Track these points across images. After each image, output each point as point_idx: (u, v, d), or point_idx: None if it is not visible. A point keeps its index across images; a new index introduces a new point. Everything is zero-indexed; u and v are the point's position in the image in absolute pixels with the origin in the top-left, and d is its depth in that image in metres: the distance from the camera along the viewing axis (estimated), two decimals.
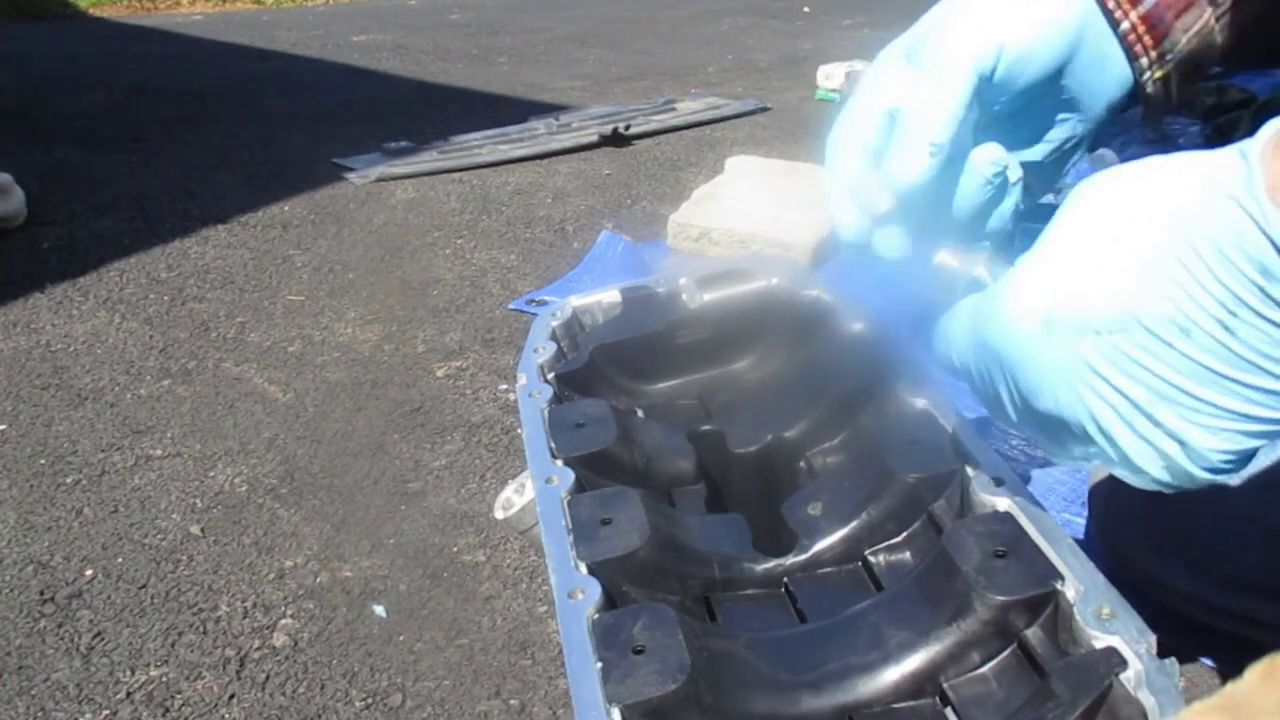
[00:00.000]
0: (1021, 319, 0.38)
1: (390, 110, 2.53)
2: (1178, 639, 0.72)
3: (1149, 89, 0.50)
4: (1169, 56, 0.49)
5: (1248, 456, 0.37)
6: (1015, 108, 0.48)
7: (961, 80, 0.44)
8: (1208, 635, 0.72)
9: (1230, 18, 0.50)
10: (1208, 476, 0.38)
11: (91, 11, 4.39)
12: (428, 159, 2.06)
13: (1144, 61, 0.49)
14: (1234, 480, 0.38)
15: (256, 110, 2.55)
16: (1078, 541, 0.47)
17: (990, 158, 0.45)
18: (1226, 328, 0.33)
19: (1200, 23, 0.49)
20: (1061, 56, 0.47)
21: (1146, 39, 0.49)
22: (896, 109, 0.45)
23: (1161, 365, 0.35)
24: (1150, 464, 0.38)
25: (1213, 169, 0.34)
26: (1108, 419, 0.37)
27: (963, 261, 0.46)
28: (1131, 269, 0.35)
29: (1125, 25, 0.48)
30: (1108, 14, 0.48)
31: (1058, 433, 0.40)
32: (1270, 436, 0.36)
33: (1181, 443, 0.36)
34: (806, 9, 4.15)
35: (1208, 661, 0.73)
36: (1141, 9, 0.48)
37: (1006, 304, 0.39)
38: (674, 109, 2.43)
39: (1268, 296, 0.32)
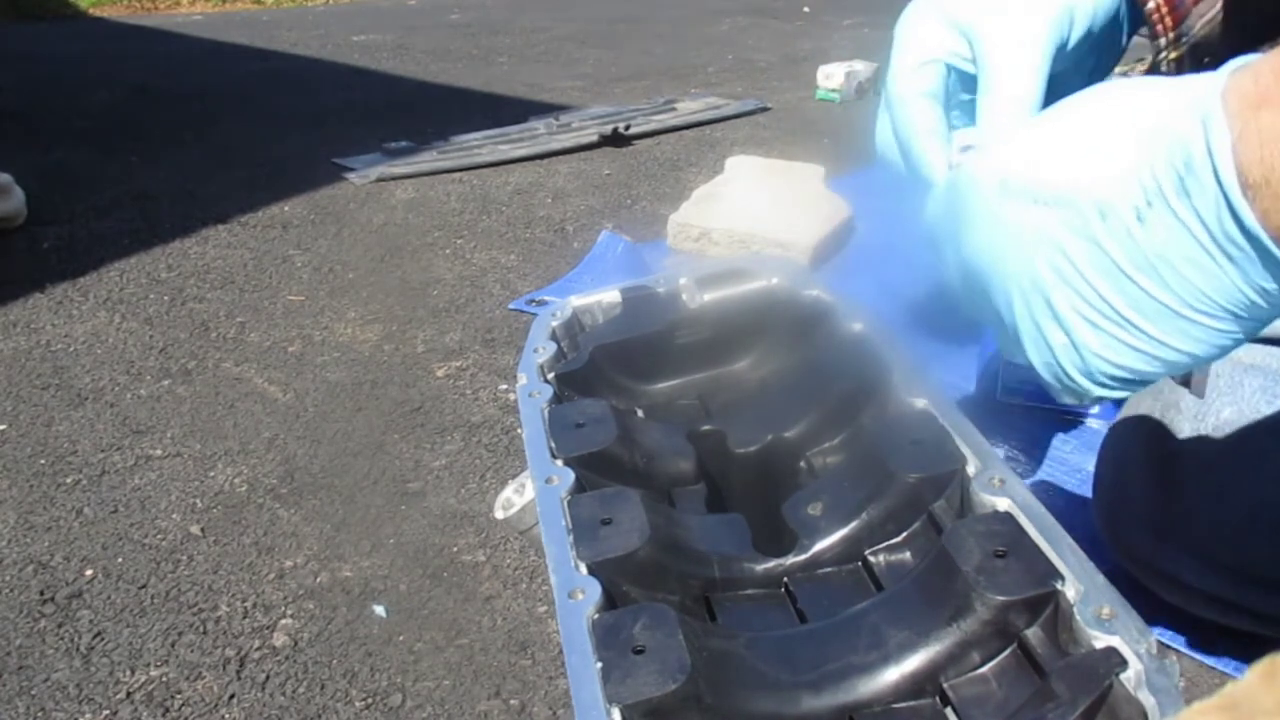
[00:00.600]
0: (982, 179, 0.39)
1: (390, 110, 2.53)
2: (1179, 639, 0.72)
3: (1163, 68, 0.51)
4: (1184, 39, 0.51)
5: (1129, 381, 0.37)
6: (1063, 68, 0.49)
7: (1049, 36, 0.45)
8: (1209, 634, 0.72)
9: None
10: (1081, 384, 0.38)
11: (91, 11, 4.39)
12: (428, 159, 2.06)
13: (1162, 41, 0.51)
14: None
15: (256, 110, 2.55)
16: (1079, 539, 0.47)
17: None
18: (1139, 217, 0.33)
19: (1213, 12, 0.51)
20: (1115, 14, 0.49)
21: (1168, 19, 0.51)
22: (953, 64, 0.47)
23: (1075, 247, 0.35)
24: (1036, 353, 0.38)
25: (1193, 82, 0.34)
26: (1016, 294, 0.38)
27: None
28: (1082, 149, 0.36)
29: (1150, 4, 0.50)
30: None
31: (980, 301, 0.40)
32: (1152, 370, 0.36)
33: (1069, 336, 0.36)
34: (806, 9, 4.15)
35: (1208, 661, 0.73)
36: None
37: (974, 166, 0.40)
38: (674, 109, 2.43)
39: (1183, 189, 0.32)
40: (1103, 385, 0.38)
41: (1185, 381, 0.50)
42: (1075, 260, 0.35)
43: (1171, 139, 0.33)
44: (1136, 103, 0.35)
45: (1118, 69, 0.55)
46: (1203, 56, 0.52)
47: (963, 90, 0.50)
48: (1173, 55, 0.51)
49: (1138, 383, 0.37)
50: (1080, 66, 0.51)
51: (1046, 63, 0.45)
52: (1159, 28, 0.51)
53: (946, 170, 0.47)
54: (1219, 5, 0.51)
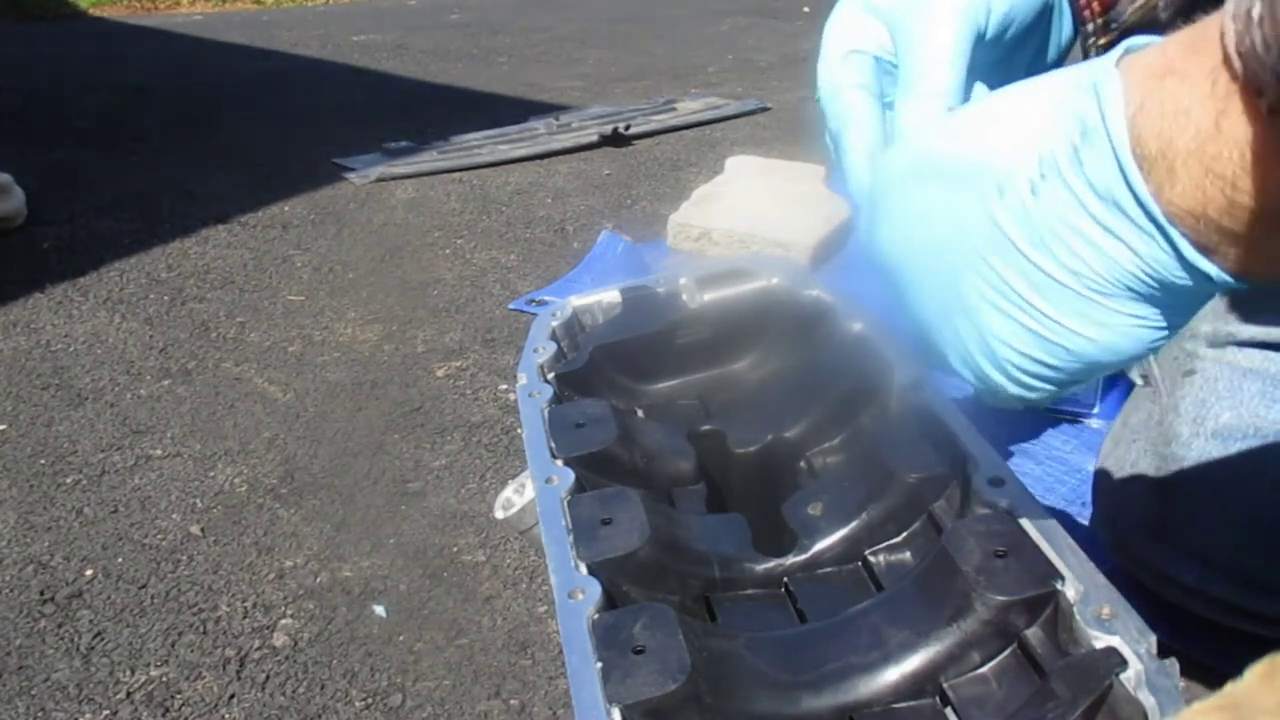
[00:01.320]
0: (894, 166, 0.39)
1: (390, 110, 2.53)
2: (1178, 639, 0.72)
3: (1091, 54, 0.51)
4: (1114, 25, 0.50)
5: (1047, 379, 0.35)
6: (993, 58, 0.49)
7: (962, 29, 0.44)
8: (1209, 634, 0.72)
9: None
10: (996, 379, 0.36)
11: (91, 11, 4.39)
12: (428, 159, 2.06)
13: (1089, 26, 0.50)
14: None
15: (256, 110, 2.55)
16: (1079, 539, 0.47)
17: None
18: (1034, 190, 0.32)
19: None
20: (1039, 7, 0.48)
21: (1095, 5, 0.50)
22: (880, 56, 0.46)
23: (977, 227, 0.34)
24: (950, 348, 0.37)
25: (1101, 58, 0.33)
26: (927, 283, 0.37)
27: None
28: (986, 128, 0.35)
29: None
30: None
31: (895, 284, 0.39)
32: (1064, 365, 0.35)
33: (977, 326, 0.35)
34: (806, 9, 4.15)
35: (1208, 661, 0.73)
36: None
37: (889, 155, 0.40)
38: (674, 109, 2.43)
39: (1077, 159, 0.31)
40: (1019, 383, 0.36)
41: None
42: (977, 241, 0.34)
43: (1069, 109, 0.32)
44: (1045, 82, 0.34)
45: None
46: None
47: (892, 84, 0.49)
48: (1102, 41, 0.51)
49: (1057, 381, 0.36)
50: (1016, 56, 0.50)
51: (963, 53, 0.44)
52: (1086, 13, 0.50)
53: (870, 164, 0.46)
54: None
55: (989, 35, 0.46)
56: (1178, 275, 0.31)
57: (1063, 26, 0.51)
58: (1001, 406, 0.39)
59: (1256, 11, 0.26)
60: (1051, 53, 0.52)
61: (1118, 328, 0.33)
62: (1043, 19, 0.50)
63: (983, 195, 0.34)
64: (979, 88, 0.45)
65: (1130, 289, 0.32)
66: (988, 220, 0.34)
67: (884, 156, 0.40)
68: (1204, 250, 0.31)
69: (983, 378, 0.37)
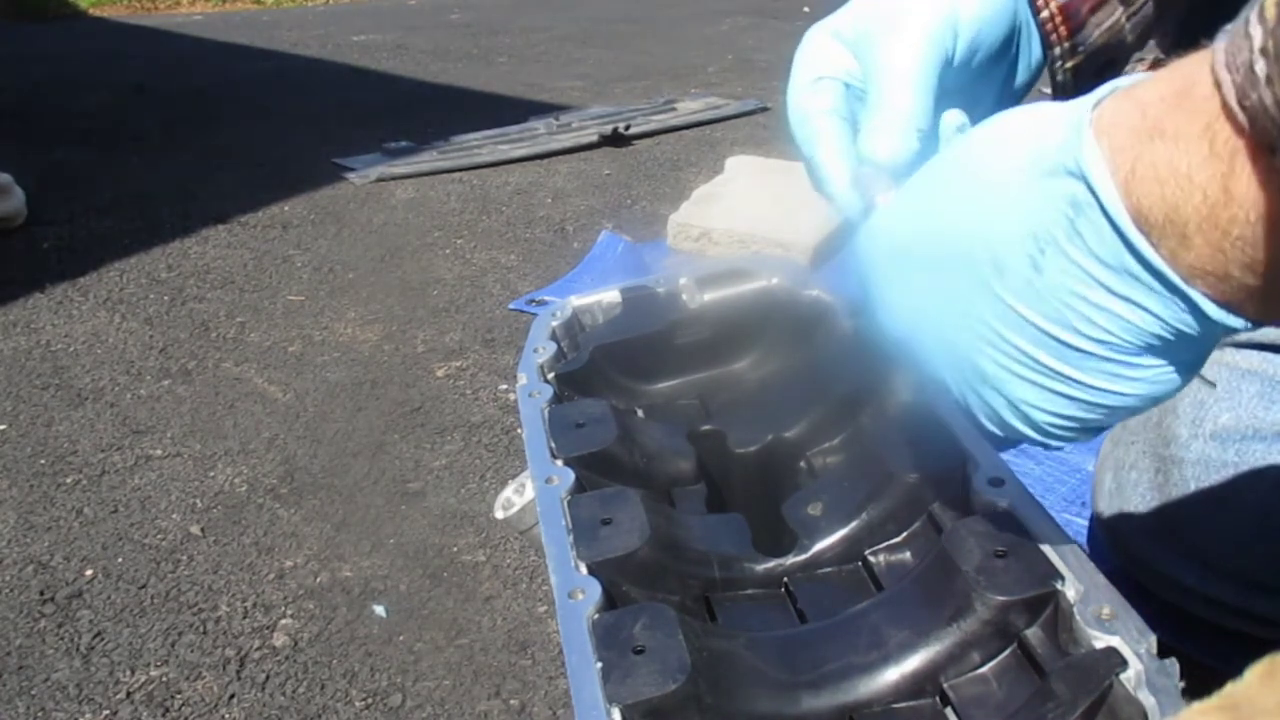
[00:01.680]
0: (878, 251, 0.39)
1: (390, 110, 2.53)
2: (1179, 639, 0.72)
3: (1059, 77, 0.51)
4: (1081, 48, 0.50)
5: (1086, 428, 0.36)
6: (962, 83, 0.49)
7: (928, 54, 0.44)
8: (1209, 635, 0.72)
9: (1142, 19, 0.51)
10: (1038, 439, 0.37)
11: (91, 11, 4.39)
12: (428, 159, 2.06)
13: (1057, 50, 0.50)
14: (1063, 445, 0.37)
15: (256, 110, 2.55)
16: (1080, 540, 0.47)
17: (956, 122, 0.46)
18: (1036, 266, 0.32)
19: (1112, 20, 0.51)
20: (1006, 32, 0.48)
21: (1062, 29, 0.50)
22: (849, 82, 0.47)
23: (983, 306, 0.34)
24: (984, 417, 0.37)
25: (1067, 112, 0.33)
26: (945, 363, 0.37)
27: None
28: (967, 202, 0.35)
29: (1045, 14, 0.50)
30: (1030, 1, 0.49)
31: (908, 359, 0.39)
32: (1100, 417, 0.35)
33: (1005, 397, 0.35)
34: (806, 9, 4.14)
35: (1208, 661, 0.73)
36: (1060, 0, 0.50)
37: (866, 234, 0.40)
38: (674, 109, 2.43)
39: (1075, 231, 0.31)
40: (1053, 436, 0.36)
41: None
42: (988, 320, 0.34)
43: (1053, 183, 0.31)
44: (1016, 140, 0.34)
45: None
46: (1102, 64, 0.51)
47: (863, 109, 0.49)
48: (1069, 64, 0.51)
49: (1090, 427, 0.36)
50: (985, 80, 0.50)
51: (929, 77, 0.44)
52: (1053, 37, 0.50)
53: (849, 187, 0.46)
54: (1118, 13, 0.50)
55: (956, 60, 0.46)
56: (1199, 329, 0.31)
57: (1032, 49, 0.51)
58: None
59: (1261, 69, 0.26)
60: (1021, 75, 0.52)
61: (1145, 380, 0.33)
62: (1011, 43, 0.50)
63: (980, 276, 0.34)
64: (953, 113, 0.45)
65: (1151, 348, 0.32)
66: (993, 299, 0.34)
67: (864, 236, 0.40)
68: (1228, 307, 0.30)
69: (1016, 434, 0.37)
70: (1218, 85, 0.27)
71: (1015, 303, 0.33)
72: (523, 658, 0.79)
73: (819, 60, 0.48)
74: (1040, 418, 0.35)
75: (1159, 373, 0.33)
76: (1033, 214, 0.32)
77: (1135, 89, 0.31)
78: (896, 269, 0.38)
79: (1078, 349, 0.33)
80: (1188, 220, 0.29)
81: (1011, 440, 0.39)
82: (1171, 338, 0.32)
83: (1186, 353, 0.33)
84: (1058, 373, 0.34)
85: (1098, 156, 0.30)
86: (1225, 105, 0.27)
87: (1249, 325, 0.31)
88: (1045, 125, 0.33)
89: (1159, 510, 0.72)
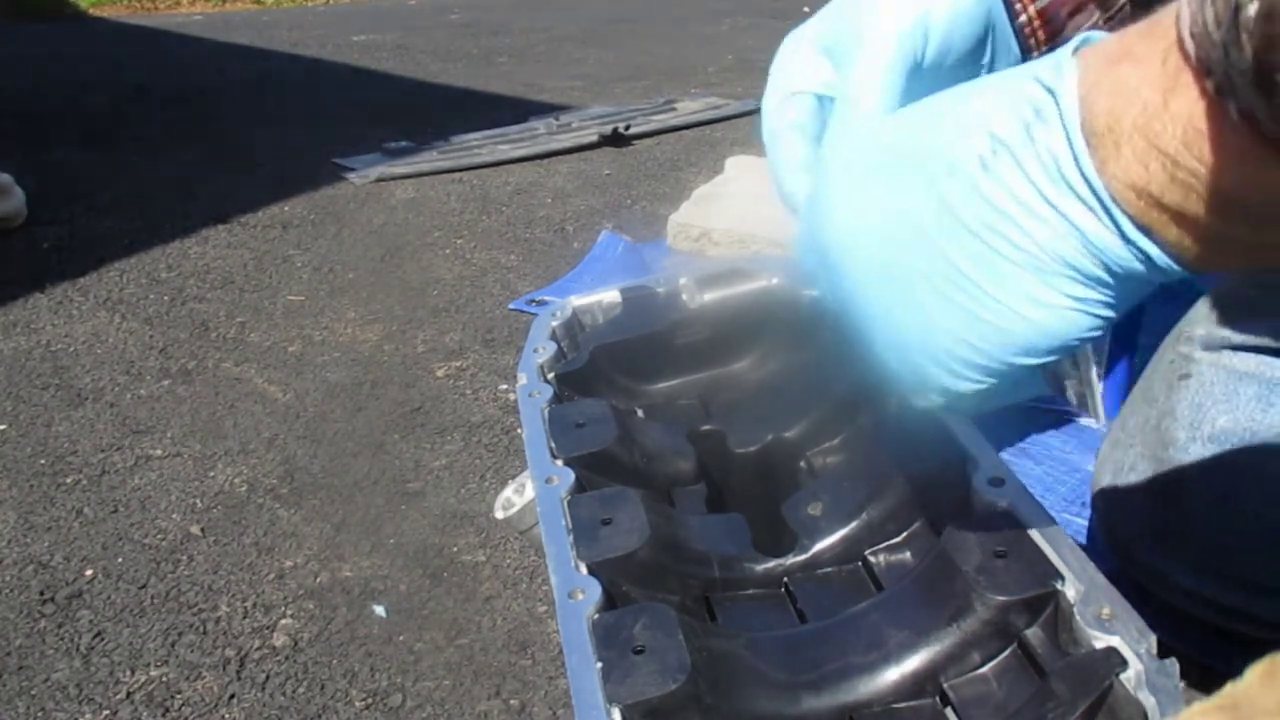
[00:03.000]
0: (838, 152, 0.39)
1: (390, 110, 2.53)
2: (1179, 639, 0.72)
3: None
4: None
5: (985, 378, 0.36)
6: (931, 86, 0.48)
7: (895, 54, 0.44)
8: (1209, 635, 0.72)
9: (1120, 22, 0.51)
10: (939, 378, 0.36)
11: (91, 11, 4.39)
12: (428, 159, 2.06)
13: (1034, 55, 0.50)
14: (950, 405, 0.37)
15: (256, 110, 2.55)
16: (1080, 540, 0.47)
17: None
18: (984, 165, 0.33)
19: (1090, 23, 0.51)
20: (979, 34, 0.48)
21: (1040, 34, 0.50)
22: (824, 94, 0.46)
23: (926, 212, 0.34)
24: (892, 346, 0.37)
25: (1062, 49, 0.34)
26: (870, 277, 0.37)
27: None
28: (937, 114, 0.36)
29: (1023, 19, 0.50)
30: (1008, 5, 0.49)
31: (836, 286, 0.39)
32: (1005, 363, 0.35)
33: (922, 315, 0.35)
34: (806, 9, 4.14)
35: (1208, 661, 0.73)
36: (1039, 4, 0.49)
37: (832, 142, 0.40)
38: (674, 109, 2.43)
39: (1029, 136, 0.32)
40: (952, 373, 0.36)
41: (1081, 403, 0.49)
42: (923, 223, 0.35)
43: (1023, 92, 0.33)
44: (1000, 74, 0.35)
45: None
46: None
47: None
48: None
49: (989, 373, 0.36)
50: (955, 84, 0.50)
51: (895, 78, 0.43)
52: (1031, 41, 0.50)
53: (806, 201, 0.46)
54: (1095, 17, 0.50)
55: (927, 62, 0.45)
56: (1120, 255, 0.32)
57: (1011, 54, 0.51)
58: (931, 409, 0.39)
59: None
60: None
61: (1057, 309, 0.33)
62: (984, 47, 0.49)
63: (932, 177, 0.34)
64: None
65: (1074, 268, 0.33)
66: (935, 200, 0.34)
67: (825, 151, 0.40)
68: (1144, 229, 0.31)
69: (916, 370, 0.37)
70: (1177, 15, 0.29)
71: (956, 202, 0.34)
72: (523, 658, 0.79)
73: (794, 73, 0.48)
74: (941, 340, 0.35)
75: (1070, 305, 0.33)
76: (996, 114, 0.33)
77: (1125, 29, 0.32)
78: (850, 178, 0.38)
79: (1000, 254, 0.33)
80: (1124, 129, 0.30)
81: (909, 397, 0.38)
82: (1092, 261, 0.32)
83: (1104, 291, 0.33)
84: (972, 282, 0.34)
85: (1071, 70, 0.32)
86: (1179, 32, 0.29)
87: (1167, 266, 0.32)
88: (1032, 63, 0.34)
89: (1157, 513, 0.72)
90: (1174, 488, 0.71)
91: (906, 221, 0.35)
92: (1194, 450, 0.71)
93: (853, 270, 0.38)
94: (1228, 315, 0.72)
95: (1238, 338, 0.71)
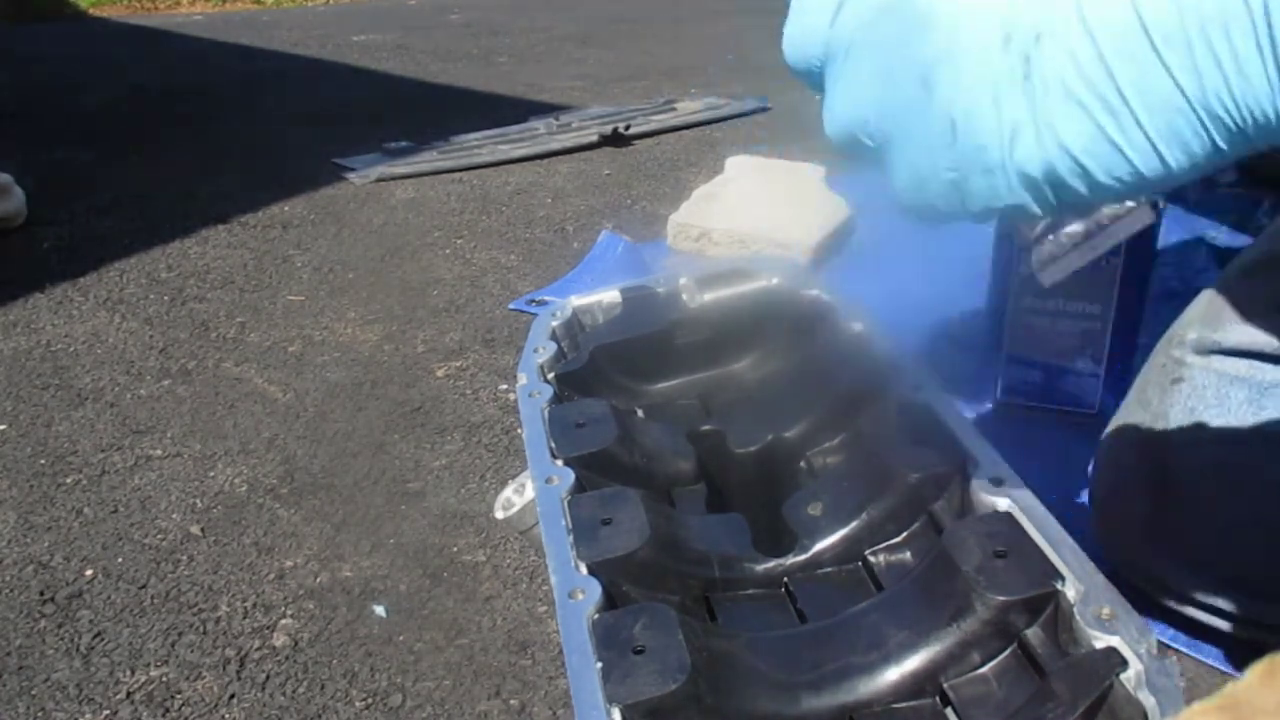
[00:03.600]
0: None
1: (390, 110, 2.53)
2: (1176, 641, 0.73)
3: None
4: None
5: (1083, 178, 0.31)
6: None
7: None
8: (1207, 637, 0.72)
9: None
10: (1029, 172, 0.31)
11: (91, 11, 4.39)
12: (428, 159, 2.06)
13: None
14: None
15: (256, 110, 2.55)
16: (1079, 539, 0.47)
17: None
18: None
19: None
20: None
21: None
22: None
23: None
24: (977, 137, 0.32)
25: None
26: (977, 71, 0.31)
27: None
28: None
29: None
30: None
31: (904, 108, 0.34)
32: (1112, 166, 0.30)
33: (1032, 111, 0.31)
34: None
35: (1208, 661, 0.73)
36: None
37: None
38: (674, 109, 2.43)
39: None
40: (1056, 184, 0.31)
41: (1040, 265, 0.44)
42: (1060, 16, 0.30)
43: None
44: None
45: None
46: None
47: None
48: None
49: (1087, 189, 0.31)
50: None
51: None
52: None
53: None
54: None
55: None
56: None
57: None
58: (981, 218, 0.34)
59: None
60: None
61: (1178, 129, 0.29)
62: None
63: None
64: None
65: (1203, 101, 0.28)
66: None
67: None
68: None
69: (1006, 178, 0.32)
70: None
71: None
72: (523, 658, 0.79)
73: None
74: (1056, 141, 0.31)
75: (1194, 130, 0.29)
76: None
77: None
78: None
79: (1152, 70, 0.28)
80: None
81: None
82: (1222, 93, 0.28)
83: (1215, 130, 0.29)
84: (1119, 90, 0.29)
85: None
86: None
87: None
88: None
89: (1153, 515, 0.72)
90: (1169, 491, 0.71)
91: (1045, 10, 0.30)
92: (1187, 454, 0.71)
93: (953, 66, 0.33)
94: (1218, 319, 0.72)
95: (1228, 341, 0.71)
